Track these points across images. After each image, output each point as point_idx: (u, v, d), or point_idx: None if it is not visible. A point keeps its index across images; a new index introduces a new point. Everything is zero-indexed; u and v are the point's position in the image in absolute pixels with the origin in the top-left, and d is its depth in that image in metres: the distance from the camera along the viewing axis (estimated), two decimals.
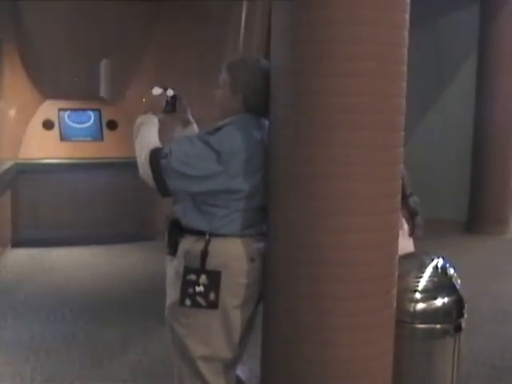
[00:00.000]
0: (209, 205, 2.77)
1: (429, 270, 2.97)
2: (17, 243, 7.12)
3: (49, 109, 7.54)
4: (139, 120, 2.91)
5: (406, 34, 2.63)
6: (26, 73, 7.30)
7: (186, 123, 3.14)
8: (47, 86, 7.49)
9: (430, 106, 9.07)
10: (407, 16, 2.63)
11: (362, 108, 2.51)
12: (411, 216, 3.35)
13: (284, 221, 2.65)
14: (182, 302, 2.77)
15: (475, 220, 8.77)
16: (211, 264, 2.74)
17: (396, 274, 2.74)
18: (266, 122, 2.84)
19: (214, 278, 2.74)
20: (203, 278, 2.74)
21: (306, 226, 2.57)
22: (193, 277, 2.75)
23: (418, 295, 2.89)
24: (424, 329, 2.89)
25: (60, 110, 7.57)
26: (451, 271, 3.04)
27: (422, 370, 2.93)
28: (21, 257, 6.82)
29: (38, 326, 4.87)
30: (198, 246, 2.76)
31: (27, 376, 4.03)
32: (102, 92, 7.86)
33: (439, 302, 2.91)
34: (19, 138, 7.24)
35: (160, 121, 2.94)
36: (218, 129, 2.77)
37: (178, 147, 2.73)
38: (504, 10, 8.50)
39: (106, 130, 7.67)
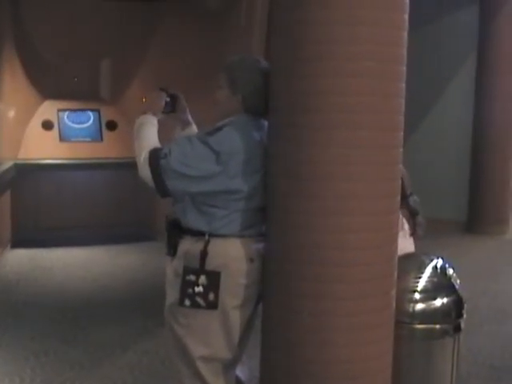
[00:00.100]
0: (208, 205, 2.77)
1: (428, 271, 2.97)
2: (16, 243, 7.12)
3: (48, 109, 7.53)
4: (138, 120, 2.90)
5: (406, 34, 2.63)
6: (25, 73, 7.30)
7: (186, 124, 3.14)
8: (46, 86, 7.48)
9: (430, 106, 9.07)
10: (406, 16, 2.63)
11: (362, 108, 2.52)
12: (412, 216, 3.36)
13: (284, 221, 2.65)
14: (181, 303, 2.77)
15: (475, 220, 8.77)
16: (210, 264, 2.75)
17: (395, 274, 2.74)
18: (265, 123, 2.84)
19: (214, 279, 2.74)
20: (202, 279, 2.74)
21: (306, 226, 2.58)
22: (192, 277, 2.75)
23: (417, 295, 2.89)
24: (423, 329, 2.90)
25: (59, 110, 7.56)
26: (450, 271, 3.04)
27: (421, 370, 2.93)
28: (20, 257, 6.81)
29: (37, 326, 4.87)
30: (198, 246, 2.76)
31: (26, 376, 4.03)
32: (102, 92, 7.86)
33: (438, 302, 2.91)
34: (19, 138, 7.23)
35: (159, 121, 2.94)
36: (218, 129, 2.77)
37: (177, 147, 2.73)
38: (503, 10, 8.50)
39: (105, 131, 7.67)
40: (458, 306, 2.97)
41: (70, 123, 7.58)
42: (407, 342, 2.87)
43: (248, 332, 2.91)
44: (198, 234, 2.78)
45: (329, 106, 2.51)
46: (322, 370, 2.62)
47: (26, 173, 7.09)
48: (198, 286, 2.74)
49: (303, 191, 2.57)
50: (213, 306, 2.74)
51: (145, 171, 2.74)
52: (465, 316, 3.00)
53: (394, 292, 2.73)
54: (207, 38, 7.38)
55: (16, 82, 7.20)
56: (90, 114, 7.70)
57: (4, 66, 6.95)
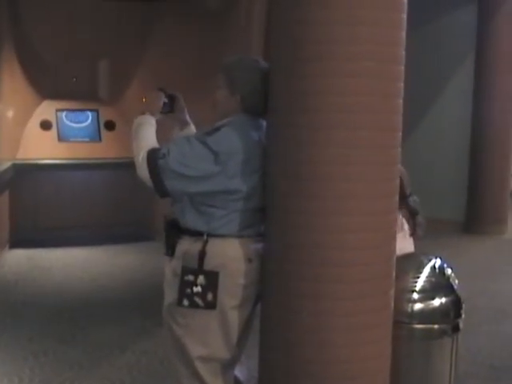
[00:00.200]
0: (207, 205, 2.77)
1: (426, 271, 2.96)
2: (15, 244, 7.11)
3: (47, 109, 7.53)
4: (137, 121, 2.90)
5: (404, 34, 2.63)
6: (23, 73, 7.29)
7: (184, 124, 3.14)
8: (45, 86, 7.48)
9: (428, 106, 9.07)
10: (405, 16, 2.63)
11: (361, 108, 2.52)
12: (412, 216, 3.35)
13: (283, 221, 2.65)
14: (179, 303, 2.77)
15: (473, 220, 8.77)
16: (209, 264, 2.74)
17: (394, 274, 2.74)
18: (264, 123, 2.84)
19: (212, 279, 2.74)
20: (201, 279, 2.74)
21: (305, 226, 2.58)
22: (191, 277, 2.75)
23: (415, 295, 2.89)
24: (422, 329, 2.89)
25: (58, 110, 7.55)
26: (449, 271, 3.04)
27: (420, 370, 2.93)
28: (19, 257, 6.81)
29: (36, 327, 4.87)
30: (196, 246, 2.76)
31: (25, 376, 4.03)
32: (101, 92, 7.86)
33: (437, 302, 2.91)
34: (17, 138, 7.23)
35: (158, 121, 2.93)
36: (216, 129, 2.77)
37: (175, 148, 2.73)
38: (502, 9, 8.50)
39: (103, 131, 7.67)
40: (456, 305, 2.97)
41: (68, 123, 7.57)
42: (406, 341, 2.87)
43: (246, 332, 2.91)
44: (196, 234, 2.78)
45: (328, 105, 2.51)
46: (321, 370, 2.62)
47: (25, 173, 7.08)
48: (196, 286, 2.74)
49: (302, 191, 2.57)
50: (211, 306, 2.74)
51: (143, 171, 2.74)
52: (463, 316, 3.00)
53: (392, 292, 2.73)
54: (207, 38, 7.37)
55: (14, 82, 7.20)
56: (89, 114, 7.70)
57: (3, 66, 6.94)
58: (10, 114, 7.20)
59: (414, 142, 8.69)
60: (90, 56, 7.63)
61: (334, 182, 2.54)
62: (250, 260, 2.79)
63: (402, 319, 2.84)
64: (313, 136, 2.54)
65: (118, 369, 4.20)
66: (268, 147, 2.74)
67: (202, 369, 2.80)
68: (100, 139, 7.65)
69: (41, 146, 7.31)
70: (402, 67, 2.64)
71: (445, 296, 2.93)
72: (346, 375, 2.63)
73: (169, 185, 2.73)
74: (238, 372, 3.02)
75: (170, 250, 2.86)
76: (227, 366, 2.88)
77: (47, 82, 7.48)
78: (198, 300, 2.74)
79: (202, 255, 2.74)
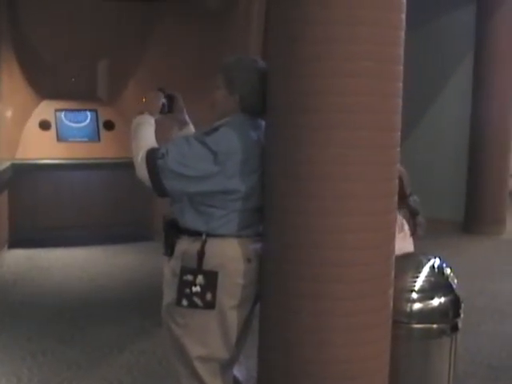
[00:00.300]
0: (206, 205, 2.76)
1: (425, 270, 2.97)
2: (14, 243, 7.11)
3: (45, 109, 7.52)
4: (136, 121, 2.90)
5: (403, 33, 2.63)
6: (22, 73, 7.29)
7: (183, 124, 3.14)
8: (44, 86, 7.47)
9: (428, 106, 9.07)
10: (404, 16, 2.63)
11: (360, 108, 2.52)
12: (412, 215, 3.35)
13: (282, 221, 2.65)
14: (178, 302, 2.77)
15: (472, 220, 8.76)
16: (208, 264, 2.74)
17: (393, 274, 2.74)
18: (263, 123, 2.84)
19: (211, 279, 2.74)
20: (200, 279, 2.74)
21: (304, 226, 2.57)
22: (189, 277, 2.75)
23: (414, 295, 2.89)
24: (421, 329, 2.90)
25: (57, 110, 7.55)
26: (448, 271, 3.04)
27: (418, 369, 2.93)
28: (18, 257, 6.80)
29: (34, 327, 4.86)
30: (195, 246, 2.76)
31: (24, 376, 4.03)
32: (99, 92, 7.86)
33: (436, 301, 2.91)
34: (16, 138, 7.22)
35: (156, 121, 2.93)
36: (215, 129, 2.77)
37: (174, 147, 2.73)
38: (500, 9, 8.50)
39: (102, 131, 7.66)
40: (455, 305, 2.97)
41: (67, 123, 7.57)
42: (405, 341, 2.87)
43: (245, 332, 2.91)
44: (195, 234, 2.78)
45: (327, 105, 2.51)
46: (321, 370, 2.62)
47: (24, 173, 7.08)
48: (195, 285, 2.74)
49: (302, 191, 2.57)
50: (210, 305, 2.74)
51: (142, 171, 2.74)
52: (462, 316, 3.01)
53: (391, 292, 2.73)
54: (207, 38, 7.37)
55: (14, 82, 7.20)
56: (88, 113, 7.69)
57: (2, 67, 6.94)
58: (9, 113, 7.20)
59: (413, 141, 8.69)
60: (90, 56, 7.62)
61: (333, 181, 2.54)
62: (248, 260, 2.79)
63: (400, 319, 2.84)
64: (312, 136, 2.53)
65: (116, 369, 4.20)
66: (267, 147, 2.73)
67: (200, 369, 2.80)
68: (99, 139, 7.64)
69: (40, 146, 7.31)
70: (401, 67, 2.64)
71: (444, 296, 2.93)
72: (345, 375, 2.63)
73: (168, 185, 2.72)
74: (237, 372, 3.02)
75: (169, 250, 2.86)
76: (226, 365, 2.88)
77: (46, 82, 7.47)
78: (196, 300, 2.74)
79: (201, 255, 2.74)
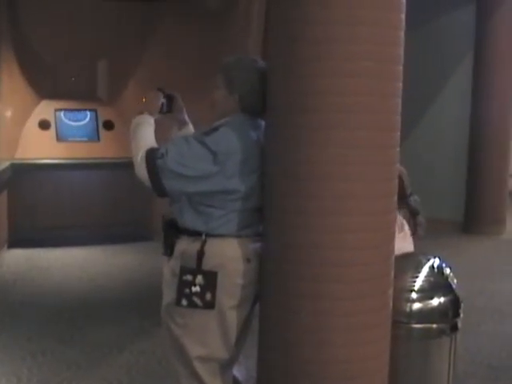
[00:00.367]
0: (205, 205, 2.76)
1: (425, 270, 2.97)
2: (13, 243, 7.11)
3: (45, 109, 7.52)
4: (135, 120, 2.90)
5: (403, 33, 2.63)
6: (22, 73, 7.29)
7: (182, 124, 3.14)
8: (44, 86, 7.48)
9: (427, 106, 9.07)
10: (403, 16, 2.63)
11: (360, 108, 2.52)
12: (412, 215, 3.35)
13: (281, 221, 2.65)
14: (178, 302, 2.77)
15: (472, 220, 8.76)
16: (207, 264, 2.74)
17: (393, 273, 2.74)
18: (262, 123, 2.84)
19: (211, 279, 2.74)
20: (199, 279, 2.74)
21: (304, 226, 2.57)
22: (189, 277, 2.75)
23: (414, 295, 2.89)
24: (420, 328, 2.90)
25: (56, 110, 7.55)
26: (447, 271, 3.04)
27: (418, 369, 2.93)
28: (17, 257, 6.80)
29: (34, 327, 4.86)
30: (195, 246, 2.76)
31: (24, 376, 4.03)
32: (99, 92, 7.86)
33: (435, 301, 2.91)
34: (16, 138, 7.22)
35: (156, 121, 2.93)
36: (215, 129, 2.77)
37: (174, 147, 2.73)
38: (500, 9, 8.50)
39: (102, 131, 7.66)
40: (454, 305, 2.97)
41: (67, 123, 7.57)
42: (404, 341, 2.87)
43: (245, 332, 2.91)
44: (194, 233, 2.78)
45: (327, 105, 2.51)
46: (320, 370, 2.62)
47: (23, 172, 7.08)
48: (194, 285, 2.74)
49: (301, 191, 2.57)
50: (210, 305, 2.74)
51: (141, 171, 2.74)
52: (462, 315, 3.00)
53: (391, 292, 2.73)
54: (207, 38, 7.37)
55: (13, 82, 7.20)
56: (87, 113, 7.69)
57: (2, 67, 6.94)
58: (9, 113, 7.20)
59: (413, 141, 8.69)
60: (90, 56, 7.62)
61: (333, 181, 2.54)
62: (248, 260, 2.79)
63: (400, 319, 2.84)
64: (311, 136, 2.53)
65: (116, 369, 4.20)
66: (267, 147, 2.73)
67: (200, 369, 2.80)
68: (98, 139, 7.64)
69: (39, 146, 7.31)
70: (401, 67, 2.64)
71: (443, 296, 2.93)
72: (344, 375, 2.63)
73: (167, 184, 2.72)
74: (237, 372, 3.02)
75: (169, 250, 2.86)
76: (226, 365, 2.87)
77: (46, 82, 7.47)
78: (196, 300, 2.74)
79: (201, 255, 2.74)
